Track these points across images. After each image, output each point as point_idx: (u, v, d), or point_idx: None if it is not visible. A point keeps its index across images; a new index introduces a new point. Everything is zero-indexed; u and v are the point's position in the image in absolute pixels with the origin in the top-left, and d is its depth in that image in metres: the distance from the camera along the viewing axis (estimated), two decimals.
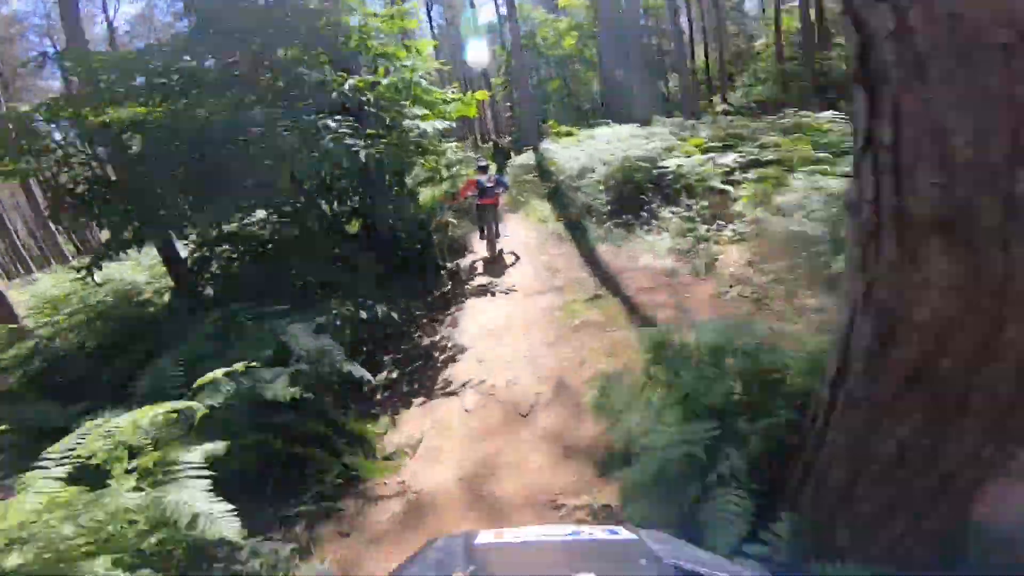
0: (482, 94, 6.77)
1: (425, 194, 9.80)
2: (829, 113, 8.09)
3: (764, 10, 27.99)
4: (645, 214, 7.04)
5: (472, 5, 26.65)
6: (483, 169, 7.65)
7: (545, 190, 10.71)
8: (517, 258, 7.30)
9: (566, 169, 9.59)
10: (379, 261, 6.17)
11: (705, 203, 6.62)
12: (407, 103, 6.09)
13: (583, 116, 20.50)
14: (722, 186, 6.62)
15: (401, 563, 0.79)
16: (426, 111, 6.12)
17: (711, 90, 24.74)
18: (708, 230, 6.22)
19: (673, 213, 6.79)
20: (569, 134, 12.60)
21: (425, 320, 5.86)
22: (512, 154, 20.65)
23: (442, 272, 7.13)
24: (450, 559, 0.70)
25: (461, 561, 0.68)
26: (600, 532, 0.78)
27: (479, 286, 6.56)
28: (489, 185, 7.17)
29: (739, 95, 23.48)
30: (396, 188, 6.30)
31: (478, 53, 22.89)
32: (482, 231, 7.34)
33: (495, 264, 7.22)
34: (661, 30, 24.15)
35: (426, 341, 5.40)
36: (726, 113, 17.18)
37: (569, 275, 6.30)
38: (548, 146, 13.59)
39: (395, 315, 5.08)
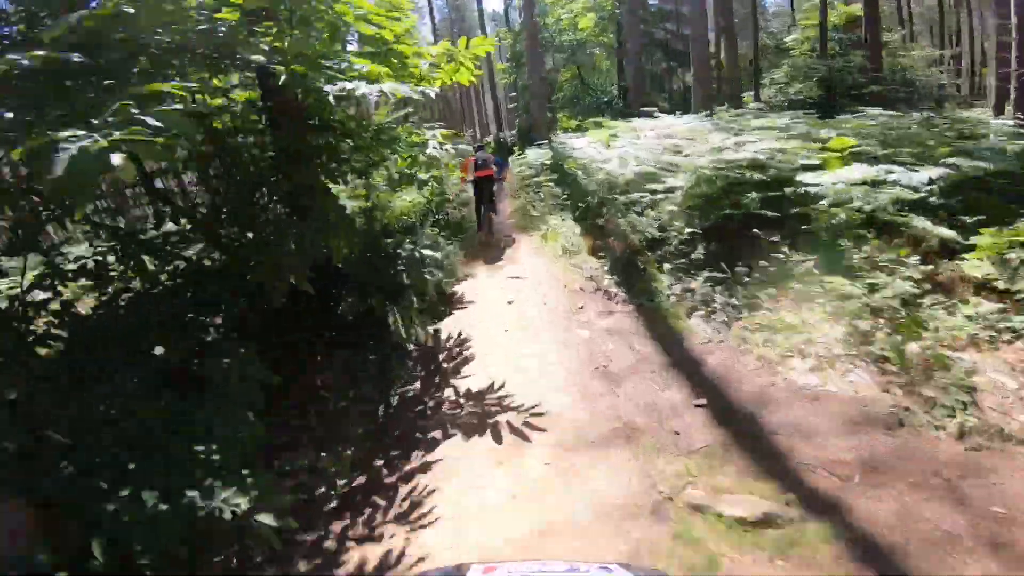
0: (484, 42, 3.60)
1: (394, 206, 6.69)
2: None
3: (792, 4, 25.05)
4: (765, 264, 3.98)
5: None
6: (480, 148, 7.55)
7: (565, 198, 7.64)
8: (514, 240, 6.88)
9: (602, 174, 6.49)
10: (281, 346, 3.09)
11: (888, 255, 3.57)
12: (335, 48, 2.97)
13: (598, 109, 17.39)
14: (937, 230, 3.54)
15: None
16: (376, 66, 2.96)
17: (732, 86, 21.55)
18: (917, 311, 3.18)
19: (820, 268, 3.74)
20: (598, 126, 9.49)
21: (349, 512, 2.71)
22: (515, 149, 17.50)
23: (408, 358, 3.99)
24: None
25: None
26: (595, 570, 0.75)
27: (470, 408, 3.37)
28: (485, 157, 6.97)
29: (771, 92, 20.42)
30: (301, 204, 3.16)
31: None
32: (478, 210, 7.08)
33: (490, 248, 6.74)
34: (680, 13, 20.88)
35: None
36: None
37: (643, 394, 3.18)
38: (567, 141, 10.50)
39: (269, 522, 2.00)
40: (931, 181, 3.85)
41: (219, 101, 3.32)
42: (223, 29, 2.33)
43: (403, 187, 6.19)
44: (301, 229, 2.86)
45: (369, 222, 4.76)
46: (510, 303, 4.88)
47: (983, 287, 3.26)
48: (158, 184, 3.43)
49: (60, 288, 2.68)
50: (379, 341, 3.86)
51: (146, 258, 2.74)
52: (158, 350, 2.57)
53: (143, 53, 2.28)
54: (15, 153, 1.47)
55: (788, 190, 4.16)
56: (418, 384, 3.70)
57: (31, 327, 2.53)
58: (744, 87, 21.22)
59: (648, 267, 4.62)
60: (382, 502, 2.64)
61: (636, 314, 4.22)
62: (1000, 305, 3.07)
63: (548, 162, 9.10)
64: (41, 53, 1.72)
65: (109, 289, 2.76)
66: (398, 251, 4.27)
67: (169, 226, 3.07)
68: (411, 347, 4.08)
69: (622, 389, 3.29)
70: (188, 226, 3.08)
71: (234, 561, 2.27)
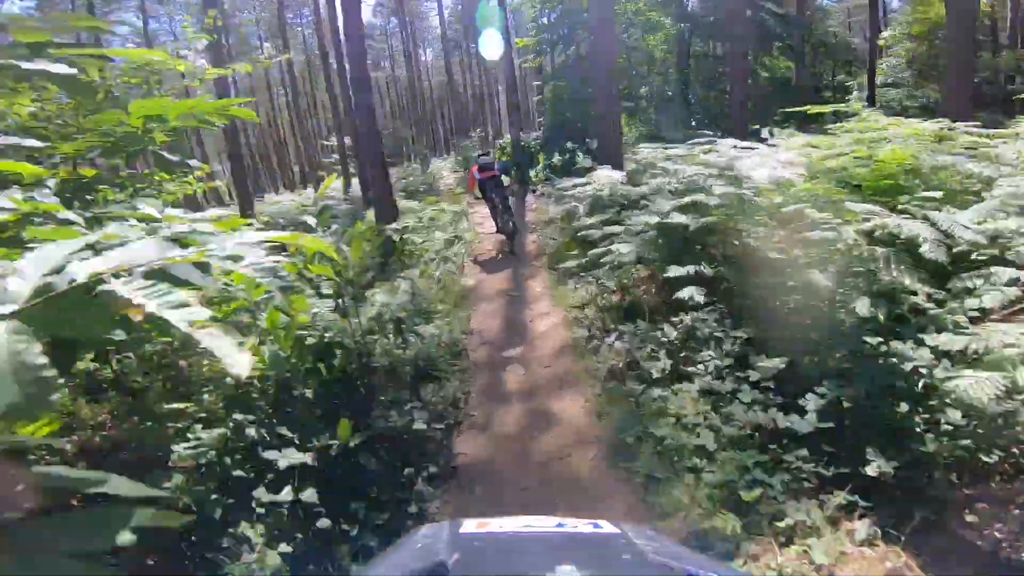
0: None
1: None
2: None
3: None
4: None
5: None
6: (484, 155, 7.21)
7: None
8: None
9: None
10: None
11: None
12: None
13: (675, 117, 11.97)
14: None
15: (386, 551, 0.80)
16: None
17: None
18: None
19: None
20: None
21: None
22: (540, 158, 12.98)
23: None
24: (435, 547, 0.69)
25: (445, 549, 0.66)
26: (584, 525, 0.76)
27: None
28: (488, 161, 6.73)
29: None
30: None
31: (493, 44, 15.49)
32: (494, 212, 6.51)
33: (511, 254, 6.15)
34: None
35: None
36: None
37: None
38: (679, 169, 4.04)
39: None
40: None
41: None
42: None
43: None
44: None
45: None
46: None
47: None
48: None
49: None
50: None
51: None
52: None
53: None
54: None
55: None
56: None
57: None
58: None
59: None
60: None
61: None
62: None
63: (650, 226, 3.60)
64: None
65: None
66: None
67: None
68: None
69: None
70: None
71: None
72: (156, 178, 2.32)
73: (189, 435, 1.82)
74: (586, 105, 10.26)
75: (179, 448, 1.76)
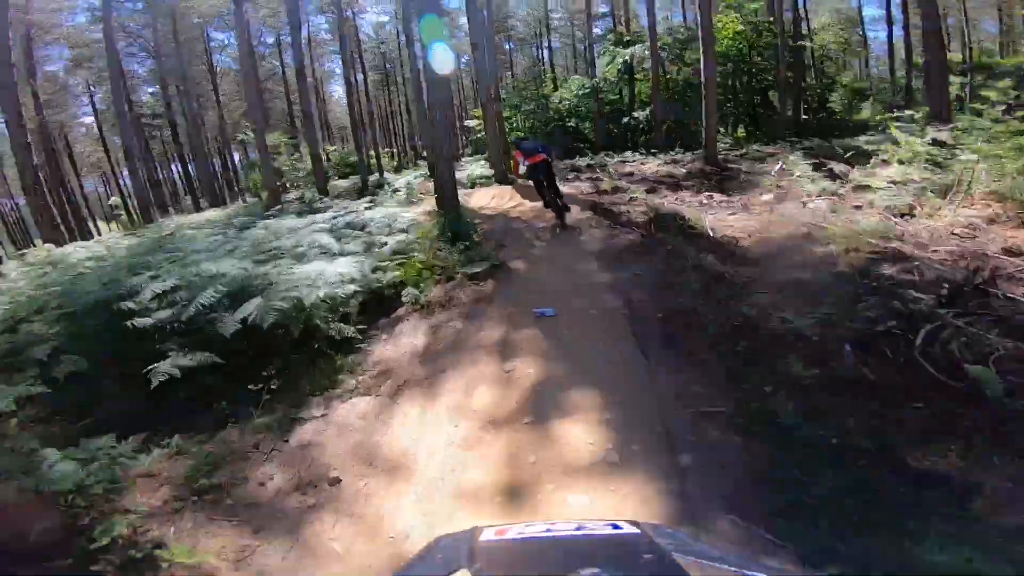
0: None
1: None
2: None
3: None
4: None
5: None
6: (524, 139, 8.16)
7: None
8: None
9: None
10: None
11: None
12: None
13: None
14: None
15: (406, 563, 0.80)
16: None
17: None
18: None
19: None
20: None
21: None
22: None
23: None
24: (456, 556, 0.68)
25: (465, 559, 0.65)
26: (604, 527, 0.76)
27: None
28: (532, 145, 6.76)
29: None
30: None
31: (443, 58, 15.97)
32: (543, 196, 6.75)
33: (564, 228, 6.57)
34: None
35: None
36: None
37: None
38: None
39: None
40: None
41: None
42: None
43: None
44: None
45: None
46: None
47: None
48: None
49: None
50: None
51: None
52: None
53: None
54: None
55: None
56: None
57: None
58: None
59: None
60: None
61: None
62: None
63: None
64: None
65: None
66: None
67: None
68: None
69: None
70: None
71: None
72: None
73: None
74: None
75: None
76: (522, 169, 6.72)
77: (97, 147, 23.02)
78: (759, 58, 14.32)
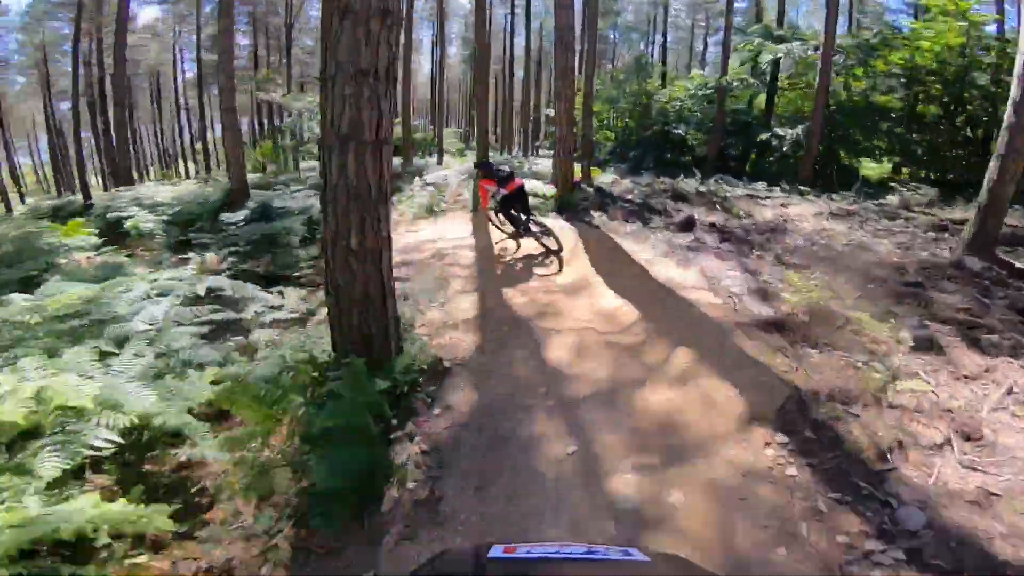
0: None
1: None
2: None
3: None
4: None
5: None
6: (487, 165, 6.17)
7: None
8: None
9: None
10: None
11: None
12: None
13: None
14: None
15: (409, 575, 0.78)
16: None
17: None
18: None
19: None
20: None
21: None
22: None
23: None
24: (462, 574, 0.70)
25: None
26: (614, 552, 0.74)
27: None
28: (507, 171, 5.72)
29: None
30: None
31: None
32: (515, 224, 5.66)
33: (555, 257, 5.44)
34: None
35: None
36: None
37: None
38: None
39: None
40: None
41: None
42: None
43: None
44: None
45: None
46: None
47: None
48: None
49: None
50: None
51: None
52: None
53: None
54: None
55: None
56: None
57: None
58: None
59: None
60: None
61: None
62: None
63: None
64: None
65: None
66: None
67: None
68: None
69: None
70: None
71: None
72: None
73: None
74: None
75: None
76: (491, 202, 5.72)
77: None
78: (985, 81, 9.76)
